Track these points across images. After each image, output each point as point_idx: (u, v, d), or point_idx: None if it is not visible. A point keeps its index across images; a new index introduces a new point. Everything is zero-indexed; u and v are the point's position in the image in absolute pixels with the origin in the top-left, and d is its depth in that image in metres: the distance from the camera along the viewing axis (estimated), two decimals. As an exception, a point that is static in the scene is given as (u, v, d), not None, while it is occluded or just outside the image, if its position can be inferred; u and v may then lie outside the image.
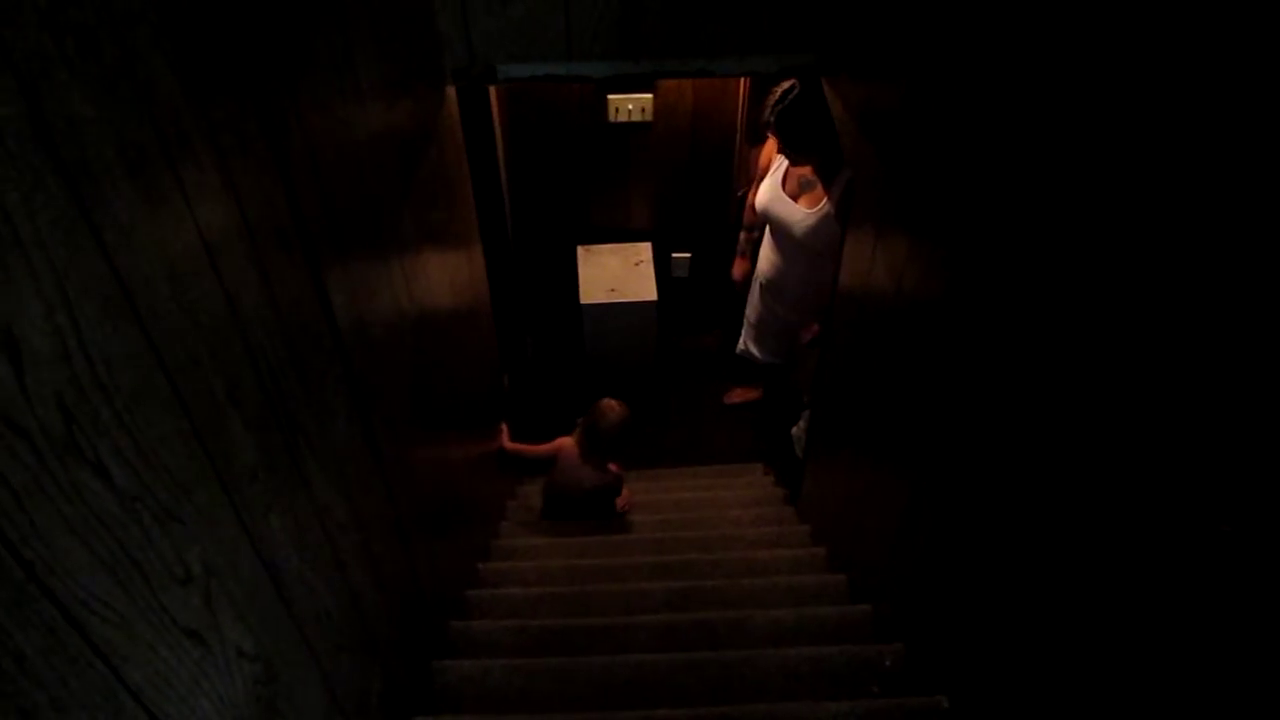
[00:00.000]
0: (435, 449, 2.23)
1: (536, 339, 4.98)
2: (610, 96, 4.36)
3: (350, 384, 1.60)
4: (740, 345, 4.26)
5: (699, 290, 5.05)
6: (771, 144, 3.58)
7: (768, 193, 3.51)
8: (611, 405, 3.49)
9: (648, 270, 4.68)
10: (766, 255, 3.77)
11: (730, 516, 3.92)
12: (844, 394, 2.79)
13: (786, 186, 3.44)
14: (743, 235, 4.04)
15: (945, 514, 1.99)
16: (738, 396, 4.96)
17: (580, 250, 4.82)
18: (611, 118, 4.41)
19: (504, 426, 3.72)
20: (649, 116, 4.39)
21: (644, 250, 4.85)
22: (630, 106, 4.36)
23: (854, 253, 2.58)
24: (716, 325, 5.08)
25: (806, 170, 3.35)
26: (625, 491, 3.81)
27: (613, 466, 3.68)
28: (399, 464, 1.86)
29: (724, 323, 4.90)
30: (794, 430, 4.11)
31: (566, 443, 3.67)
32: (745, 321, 4.17)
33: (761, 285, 3.89)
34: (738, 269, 4.20)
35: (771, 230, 3.64)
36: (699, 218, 4.74)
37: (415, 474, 2.01)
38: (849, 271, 2.65)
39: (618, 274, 4.64)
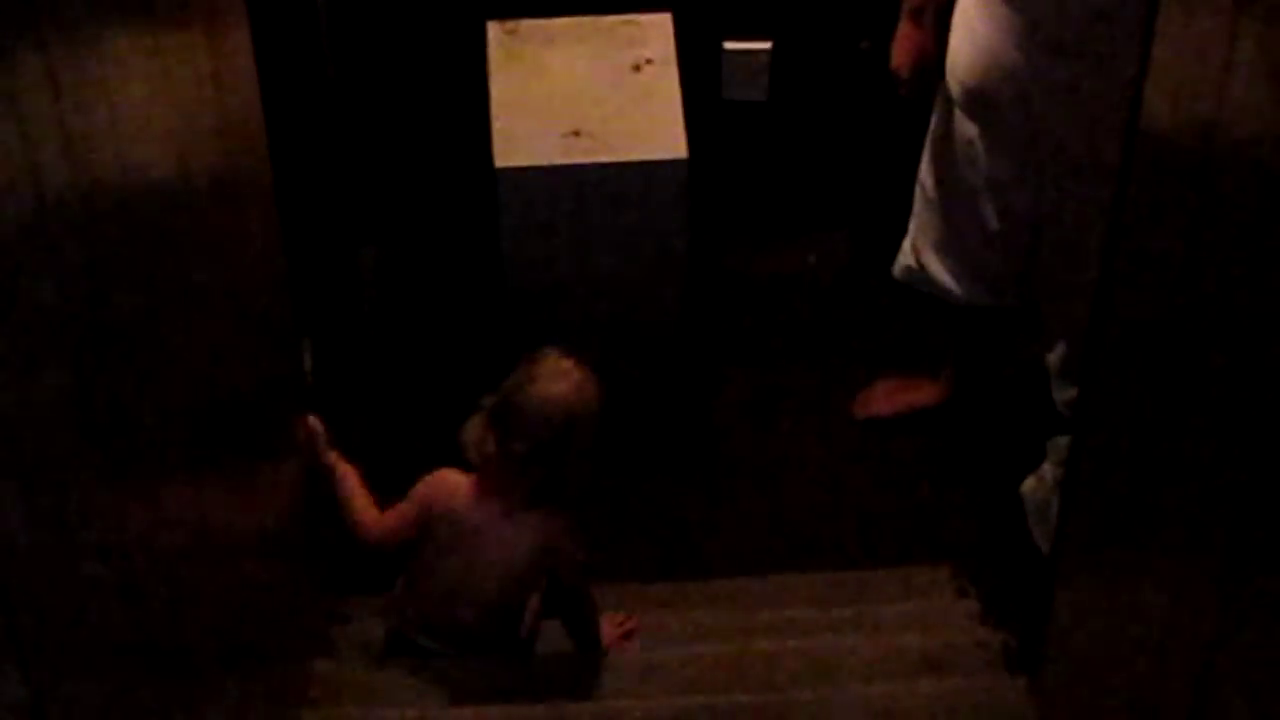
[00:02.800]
0: (120, 529, 1.67)
1: (386, 253, 3.79)
2: None
3: None
4: (905, 260, 3.10)
5: (791, 131, 3.69)
6: None
7: None
8: (559, 364, 2.58)
9: (663, 84, 3.30)
10: (981, 31, 2.73)
11: (862, 703, 2.67)
12: (1159, 398, 2.07)
13: None
14: None
15: None
16: (886, 398, 3.48)
17: (495, 31, 3.41)
18: None
19: (352, 493, 2.65)
20: None
21: (653, 32, 3.38)
22: None
23: (1176, 41, 1.99)
24: (830, 225, 3.85)
25: None
26: (612, 626, 2.80)
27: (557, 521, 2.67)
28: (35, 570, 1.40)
29: (850, 216, 3.75)
30: (1028, 484, 3.04)
31: (449, 480, 2.62)
32: (917, 198, 3.03)
33: (968, 97, 2.81)
34: (905, 48, 2.92)
35: None
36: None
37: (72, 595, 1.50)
38: (1167, 90, 2.02)
39: (589, 92, 3.31)
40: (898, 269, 3.04)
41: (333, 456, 2.62)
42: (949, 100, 2.79)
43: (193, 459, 1.92)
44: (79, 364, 1.44)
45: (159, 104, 1.78)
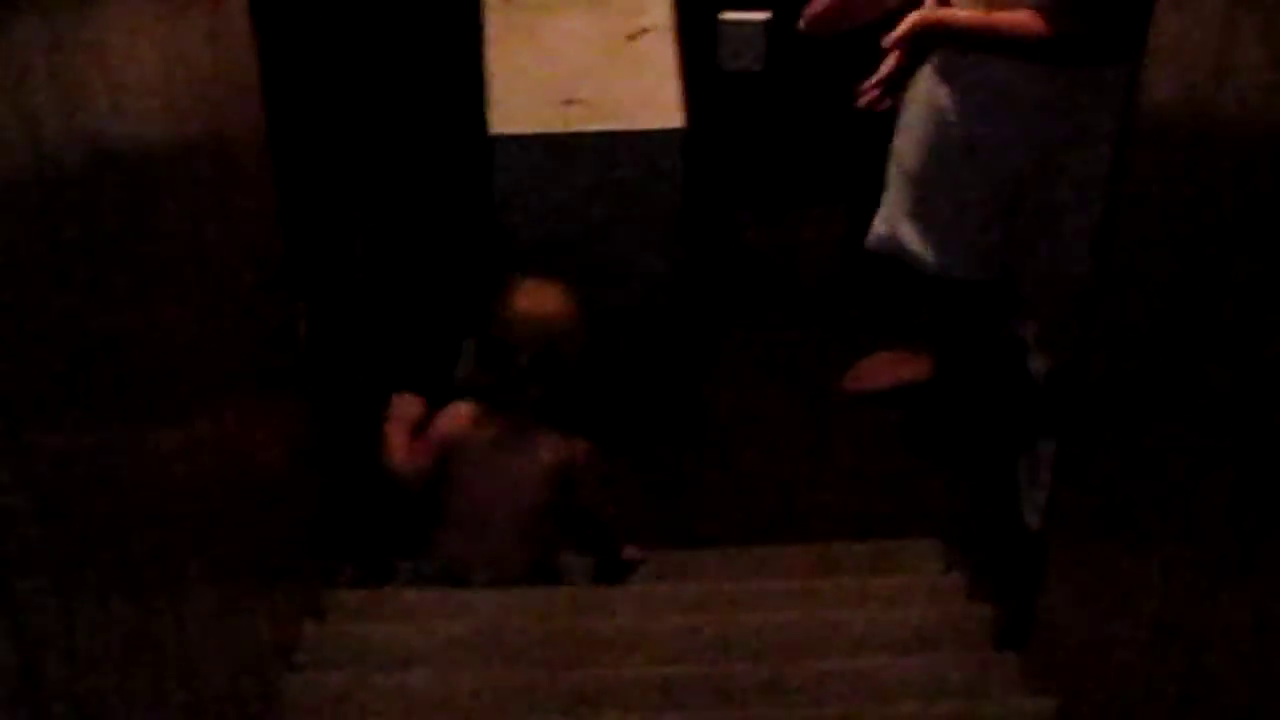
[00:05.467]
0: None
1: (377, 225, 3.78)
2: None
3: None
4: (878, 228, 3.09)
5: (787, 102, 3.71)
6: None
7: None
8: (537, 284, 2.81)
9: (660, 53, 3.30)
10: None
11: (850, 677, 2.67)
12: (1153, 373, 2.11)
13: None
14: None
15: None
16: (877, 373, 3.52)
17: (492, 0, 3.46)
18: None
19: (397, 428, 2.83)
20: None
21: (650, 0, 3.38)
22: None
23: (1177, 24, 1.99)
24: (826, 197, 3.87)
25: None
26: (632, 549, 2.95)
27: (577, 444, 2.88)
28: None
29: (847, 188, 3.65)
30: (1020, 460, 3.12)
31: (460, 411, 2.80)
32: (890, 164, 3.04)
33: (942, 57, 2.82)
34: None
35: None
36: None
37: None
38: (1167, 74, 2.05)
39: (585, 60, 3.31)
40: (871, 238, 3.06)
41: (402, 432, 2.82)
42: (924, 60, 2.81)
43: (186, 414, 1.93)
44: (74, 315, 1.43)
45: (156, 61, 1.77)
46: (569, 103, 3.11)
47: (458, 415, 2.80)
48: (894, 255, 2.99)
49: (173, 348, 1.83)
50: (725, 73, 3.55)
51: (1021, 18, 2.60)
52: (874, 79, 2.68)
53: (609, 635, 2.67)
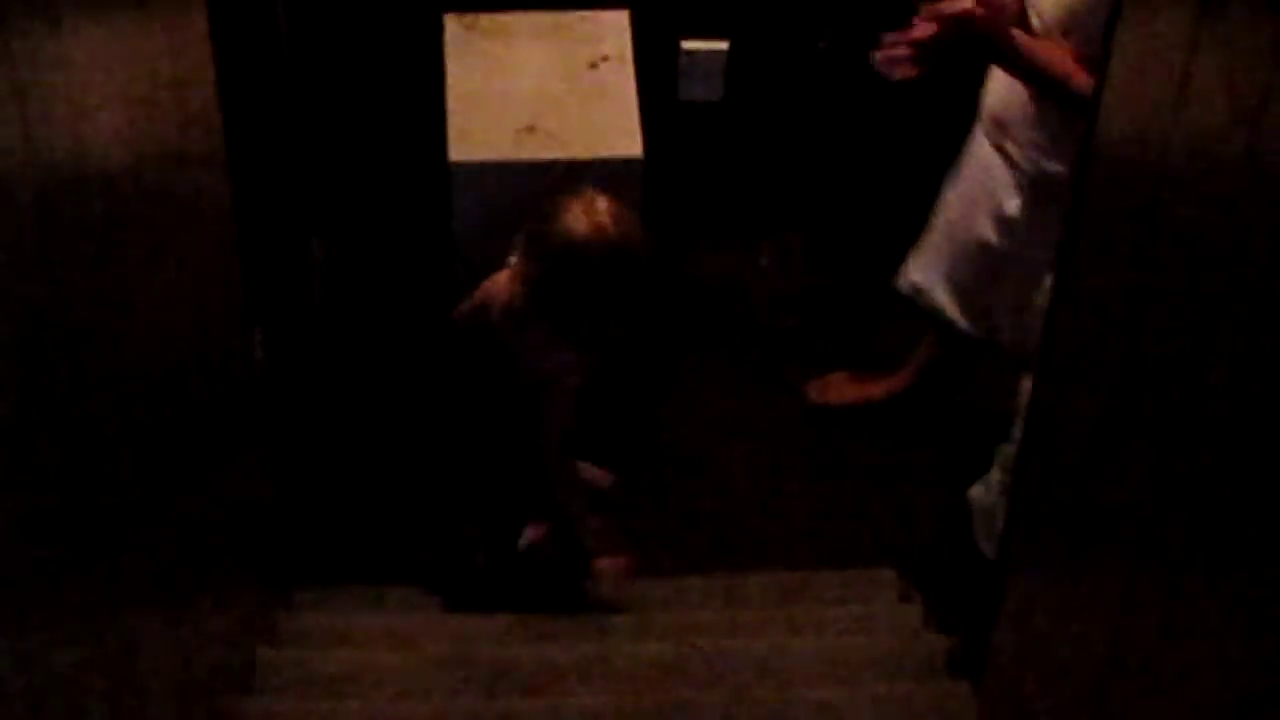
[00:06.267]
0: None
1: (339, 243, 3.83)
2: None
3: None
4: (913, 276, 3.06)
5: (746, 131, 3.74)
6: None
7: None
8: (588, 202, 2.63)
9: (620, 82, 3.33)
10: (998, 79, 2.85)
11: (808, 706, 2.69)
12: (1109, 404, 2.11)
13: None
14: None
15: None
16: (840, 388, 3.55)
17: (452, 24, 3.40)
18: None
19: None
20: None
21: (611, 29, 3.42)
22: None
23: (1135, 54, 2.02)
24: (784, 226, 3.84)
25: None
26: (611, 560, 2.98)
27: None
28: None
29: (805, 217, 3.80)
30: (974, 490, 3.02)
31: (499, 279, 2.82)
32: (938, 218, 2.99)
33: (991, 123, 2.80)
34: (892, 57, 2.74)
35: None
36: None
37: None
38: (1124, 103, 2.07)
39: (545, 88, 3.34)
40: (902, 282, 3.04)
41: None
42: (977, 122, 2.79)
43: (140, 439, 1.90)
44: (29, 338, 1.42)
45: (116, 86, 1.76)
46: (528, 130, 3.09)
47: (498, 282, 2.85)
48: (923, 309, 3.01)
49: (129, 371, 1.81)
50: (684, 102, 3.56)
51: (1068, 65, 2.57)
52: (906, 36, 2.61)
53: (568, 663, 2.65)
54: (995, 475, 2.86)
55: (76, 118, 1.59)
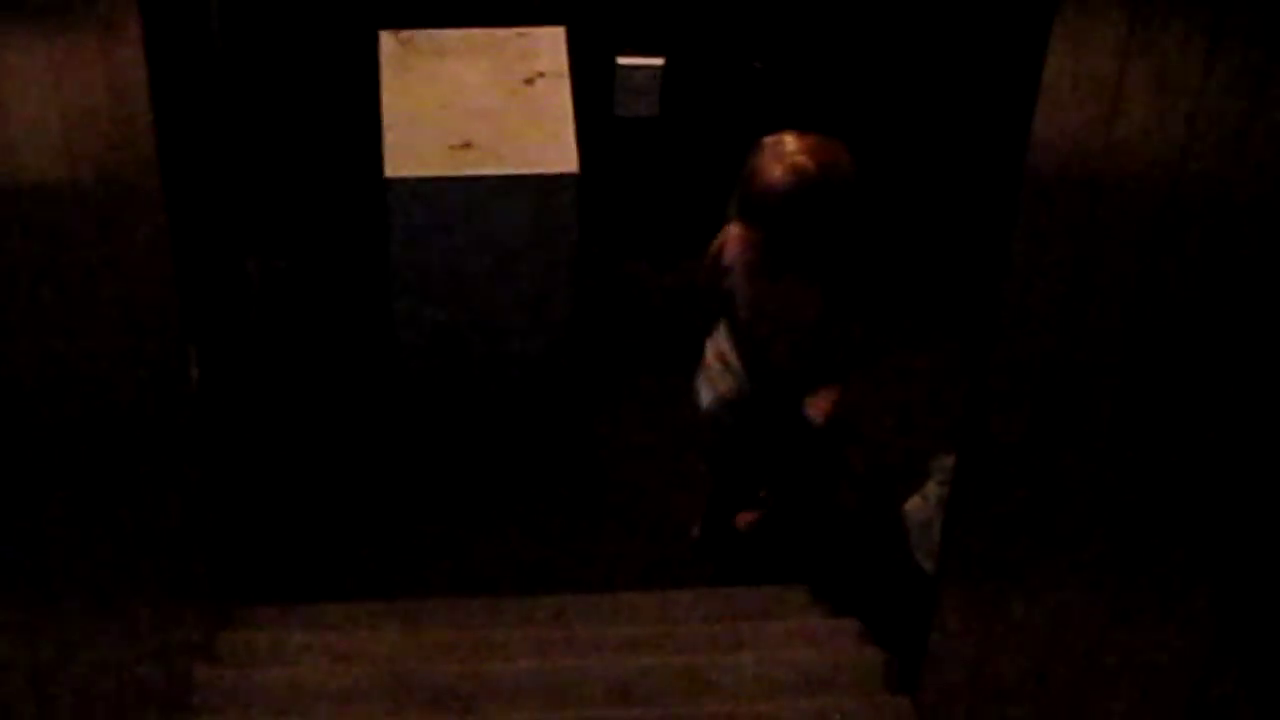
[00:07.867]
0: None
1: (273, 261, 3.84)
2: None
3: None
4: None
5: (681, 147, 3.79)
6: None
7: None
8: (782, 147, 2.68)
9: (555, 98, 3.38)
10: None
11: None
12: (1043, 422, 2.13)
13: None
14: None
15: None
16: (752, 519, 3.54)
17: (387, 41, 3.46)
18: None
19: None
20: None
21: (546, 45, 3.48)
22: None
23: (1065, 65, 2.00)
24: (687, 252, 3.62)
25: None
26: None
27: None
28: None
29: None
30: (911, 504, 3.10)
31: (730, 232, 2.82)
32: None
33: None
34: None
35: None
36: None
37: None
38: (1054, 112, 2.06)
39: (481, 104, 3.37)
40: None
41: None
42: None
43: (71, 454, 1.88)
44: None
45: (51, 108, 1.75)
46: (464, 146, 3.08)
47: (728, 234, 2.86)
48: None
49: (59, 388, 1.79)
50: (620, 118, 3.55)
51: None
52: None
53: (506, 679, 2.64)
54: (931, 488, 2.86)
55: (8, 134, 1.56)
